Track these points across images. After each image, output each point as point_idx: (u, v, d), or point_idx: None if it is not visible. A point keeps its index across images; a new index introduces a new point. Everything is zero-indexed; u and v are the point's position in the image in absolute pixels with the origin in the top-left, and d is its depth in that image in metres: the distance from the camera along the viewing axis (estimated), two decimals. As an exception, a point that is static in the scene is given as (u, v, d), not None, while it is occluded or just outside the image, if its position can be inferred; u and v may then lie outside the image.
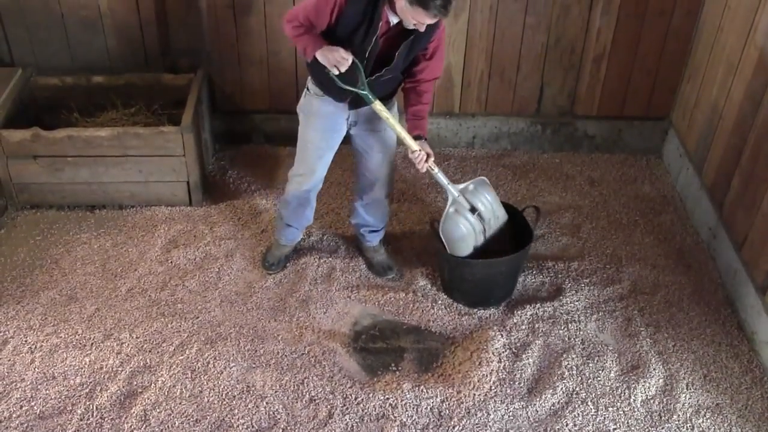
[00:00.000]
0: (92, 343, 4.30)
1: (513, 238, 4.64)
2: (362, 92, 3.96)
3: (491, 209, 4.46)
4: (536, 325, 4.48)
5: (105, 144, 4.95)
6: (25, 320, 4.43)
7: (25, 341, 4.31)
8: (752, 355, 4.35)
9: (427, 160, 4.20)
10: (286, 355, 4.27)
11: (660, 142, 5.89)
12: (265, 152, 5.83)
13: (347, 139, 4.36)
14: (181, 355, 4.25)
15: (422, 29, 3.74)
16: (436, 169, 4.26)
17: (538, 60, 5.56)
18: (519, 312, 4.55)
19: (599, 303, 4.64)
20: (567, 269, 4.85)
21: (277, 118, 5.79)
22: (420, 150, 4.17)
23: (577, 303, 4.62)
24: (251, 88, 5.68)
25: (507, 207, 4.73)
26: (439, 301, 4.62)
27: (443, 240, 4.39)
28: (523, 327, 4.47)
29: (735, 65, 4.78)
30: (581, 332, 4.45)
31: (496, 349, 4.30)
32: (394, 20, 3.79)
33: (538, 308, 4.58)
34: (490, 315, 4.55)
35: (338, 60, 3.78)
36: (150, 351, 4.27)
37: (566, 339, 4.41)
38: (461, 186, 4.40)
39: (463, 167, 5.74)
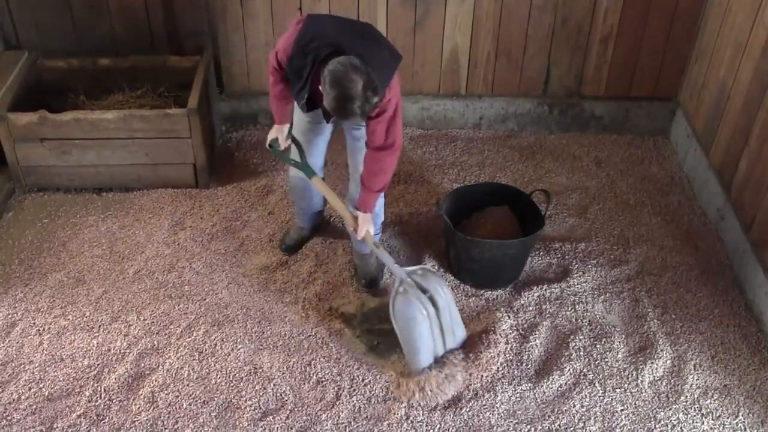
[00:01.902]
0: (100, 326, 4.32)
1: (521, 220, 4.64)
2: (296, 166, 4.27)
3: (446, 301, 4.08)
4: (543, 307, 4.48)
5: (111, 127, 4.96)
6: (33, 302, 4.45)
7: (33, 323, 4.32)
8: (760, 336, 4.35)
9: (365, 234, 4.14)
10: (293, 337, 4.28)
11: (667, 123, 5.87)
12: (272, 134, 5.83)
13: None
14: (189, 337, 4.26)
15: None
16: (379, 249, 4.15)
17: (545, 40, 5.54)
18: (526, 293, 4.54)
19: (606, 284, 4.63)
20: (574, 250, 4.85)
21: (284, 99, 5.79)
22: (354, 225, 4.13)
23: (584, 284, 4.62)
24: (257, 70, 5.67)
25: (514, 190, 4.74)
26: (447, 283, 4.61)
27: (395, 325, 4.00)
28: (531, 308, 4.47)
29: (743, 45, 4.75)
30: (588, 313, 4.45)
31: (504, 330, 4.30)
32: None
33: (546, 289, 4.57)
34: (497, 296, 4.55)
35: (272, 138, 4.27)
36: (157, 333, 4.28)
37: (573, 320, 4.41)
38: (408, 269, 4.11)
39: (470, 148, 5.73)
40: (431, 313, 4.00)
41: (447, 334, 4.10)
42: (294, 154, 4.30)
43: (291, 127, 4.27)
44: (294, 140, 4.27)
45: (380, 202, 4.44)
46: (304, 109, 3.92)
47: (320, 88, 3.57)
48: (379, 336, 4.30)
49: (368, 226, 4.12)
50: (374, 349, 4.24)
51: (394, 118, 3.86)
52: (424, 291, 4.01)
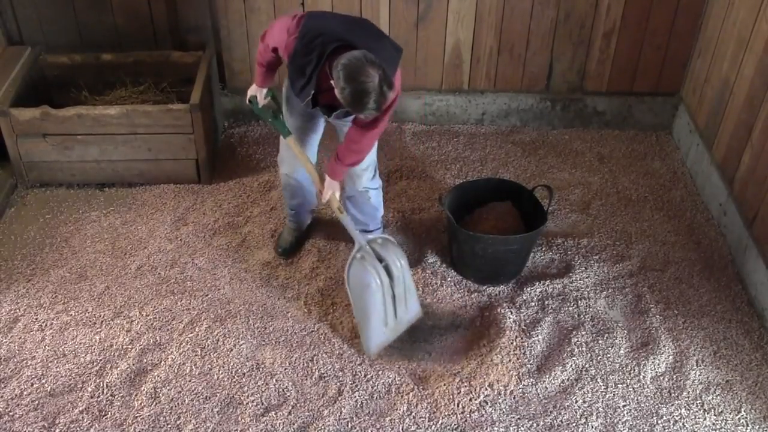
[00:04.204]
0: (102, 321, 4.32)
1: (523, 216, 4.64)
2: (272, 124, 4.29)
3: (401, 271, 4.13)
4: (546, 302, 4.48)
5: (114, 122, 4.96)
6: (36, 298, 4.45)
7: (36, 319, 4.33)
8: (762, 332, 4.35)
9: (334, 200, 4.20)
10: (295, 333, 4.28)
11: (670, 118, 5.86)
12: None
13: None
14: (191, 333, 4.26)
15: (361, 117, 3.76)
16: (342, 213, 4.22)
17: (548, 36, 5.53)
18: (528, 289, 4.54)
19: (609, 280, 4.63)
20: (576, 246, 4.85)
21: (286, 95, 5.79)
22: (320, 187, 4.19)
23: (586, 280, 4.62)
24: (260, 66, 5.67)
25: (516, 185, 4.74)
26: (449, 278, 4.62)
27: (349, 290, 4.14)
28: (533, 304, 4.47)
29: (746, 40, 4.74)
30: (591, 309, 4.44)
31: (506, 326, 4.30)
32: None
33: (548, 285, 4.57)
34: (499, 292, 4.55)
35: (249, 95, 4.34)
36: (160, 329, 4.29)
37: (576, 316, 4.41)
38: (369, 237, 4.21)
39: (472, 144, 5.72)
40: (385, 282, 4.04)
41: (399, 304, 4.15)
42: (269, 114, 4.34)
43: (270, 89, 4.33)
44: (273, 98, 4.34)
45: (379, 197, 4.51)
46: (309, 106, 3.91)
47: (332, 82, 3.56)
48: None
49: (334, 190, 4.16)
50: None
51: (390, 107, 3.87)
52: (380, 260, 4.07)
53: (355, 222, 4.53)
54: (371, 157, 4.33)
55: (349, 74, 3.46)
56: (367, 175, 4.36)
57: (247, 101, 4.36)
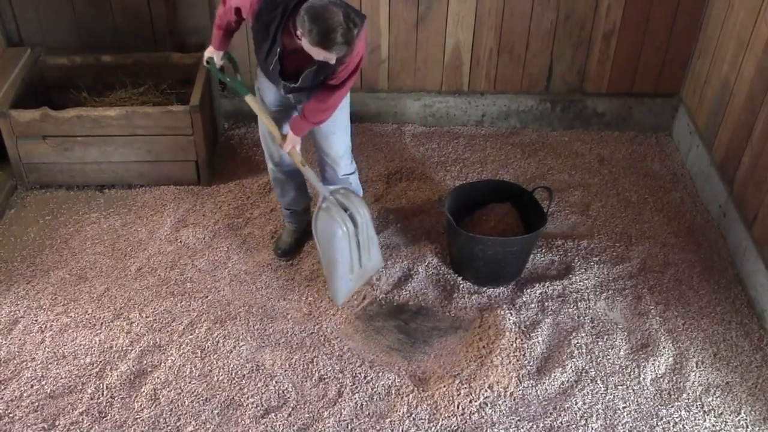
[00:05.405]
0: (102, 323, 4.32)
1: (523, 217, 4.64)
2: (230, 84, 4.32)
3: (364, 219, 4.35)
4: (546, 304, 4.48)
5: (114, 123, 4.96)
6: (36, 300, 4.45)
7: (36, 321, 4.33)
8: (762, 333, 4.34)
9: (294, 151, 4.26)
10: (295, 334, 4.28)
11: (670, 119, 5.86)
12: (274, 131, 5.83)
13: None
14: (191, 335, 4.26)
15: (333, 62, 3.74)
16: (304, 166, 4.29)
17: (548, 37, 5.53)
18: (528, 290, 4.54)
19: (609, 281, 4.63)
20: (576, 247, 4.84)
21: (286, 96, 5.78)
22: (282, 142, 4.22)
23: (586, 281, 4.61)
24: (259, 67, 5.67)
25: (516, 187, 4.74)
26: (449, 280, 4.61)
27: (317, 240, 4.28)
28: (533, 305, 4.47)
29: (746, 41, 4.74)
30: (591, 311, 4.44)
31: (506, 327, 4.30)
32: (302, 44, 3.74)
33: (548, 287, 4.57)
34: (499, 293, 4.55)
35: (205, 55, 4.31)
36: (159, 330, 4.29)
37: (576, 317, 4.41)
38: (332, 187, 4.35)
39: (472, 145, 5.72)
40: (350, 230, 4.27)
41: (363, 251, 4.40)
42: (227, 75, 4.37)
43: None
44: (231, 59, 4.37)
45: (357, 180, 4.60)
46: (277, 67, 3.93)
47: (298, 33, 3.60)
48: (381, 333, 4.30)
49: (294, 144, 4.21)
50: (376, 345, 4.24)
51: (356, 69, 3.97)
52: (345, 209, 4.28)
53: None
54: (347, 143, 4.43)
55: (313, 15, 3.52)
56: (344, 161, 4.45)
57: (205, 62, 4.34)
